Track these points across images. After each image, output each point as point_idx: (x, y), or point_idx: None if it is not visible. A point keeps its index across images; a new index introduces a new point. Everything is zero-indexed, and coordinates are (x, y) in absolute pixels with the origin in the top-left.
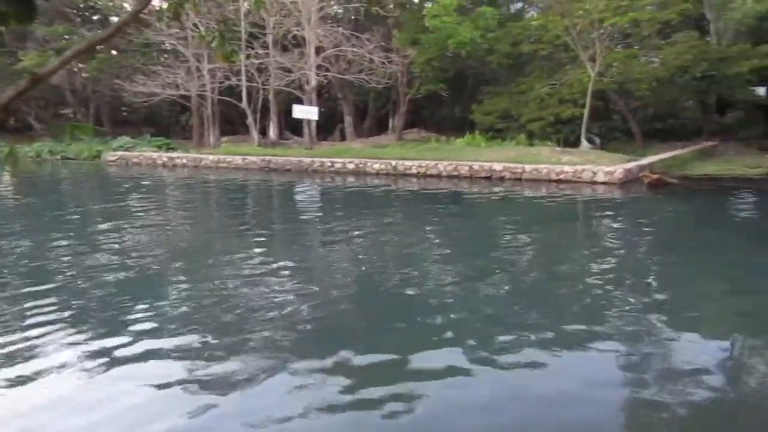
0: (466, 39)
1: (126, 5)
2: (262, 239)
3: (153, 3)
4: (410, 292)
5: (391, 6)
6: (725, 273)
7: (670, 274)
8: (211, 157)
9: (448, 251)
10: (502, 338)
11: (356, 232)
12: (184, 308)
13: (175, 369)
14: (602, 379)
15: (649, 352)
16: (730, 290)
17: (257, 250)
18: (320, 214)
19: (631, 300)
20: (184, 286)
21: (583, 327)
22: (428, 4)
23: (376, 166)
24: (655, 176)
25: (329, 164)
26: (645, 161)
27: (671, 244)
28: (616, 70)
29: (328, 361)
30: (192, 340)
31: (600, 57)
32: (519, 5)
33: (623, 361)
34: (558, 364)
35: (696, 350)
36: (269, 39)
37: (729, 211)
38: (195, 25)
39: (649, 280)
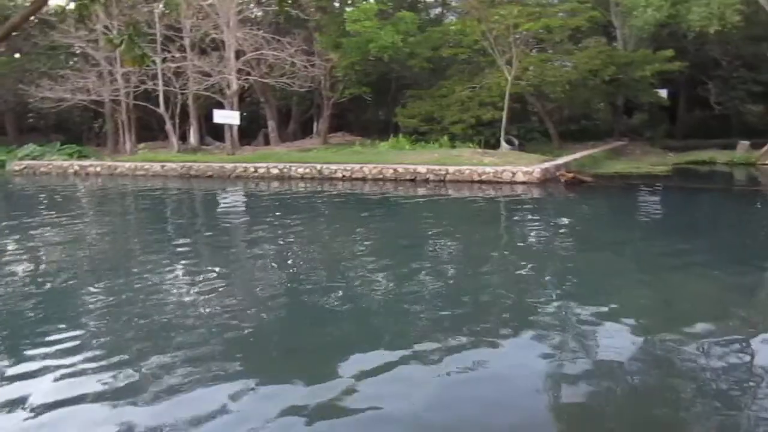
0: (387, 43)
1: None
2: (185, 249)
3: (59, 3)
4: (339, 298)
5: (312, 9)
6: (637, 262)
7: (588, 266)
8: (127, 164)
9: (376, 254)
10: (430, 342)
11: (282, 238)
12: (102, 326)
13: (92, 390)
14: (527, 371)
15: (571, 342)
16: (642, 278)
17: (180, 261)
18: (245, 220)
19: (554, 293)
20: (101, 303)
21: (508, 322)
22: (349, 9)
23: (301, 170)
24: (571, 175)
25: (252, 169)
26: (561, 161)
27: (587, 238)
28: (531, 74)
29: (257, 376)
30: (110, 361)
31: (516, 61)
32: (438, 10)
33: (547, 352)
34: (485, 358)
35: (615, 339)
36: (186, 42)
37: (638, 206)
38: (106, 27)
39: (570, 273)
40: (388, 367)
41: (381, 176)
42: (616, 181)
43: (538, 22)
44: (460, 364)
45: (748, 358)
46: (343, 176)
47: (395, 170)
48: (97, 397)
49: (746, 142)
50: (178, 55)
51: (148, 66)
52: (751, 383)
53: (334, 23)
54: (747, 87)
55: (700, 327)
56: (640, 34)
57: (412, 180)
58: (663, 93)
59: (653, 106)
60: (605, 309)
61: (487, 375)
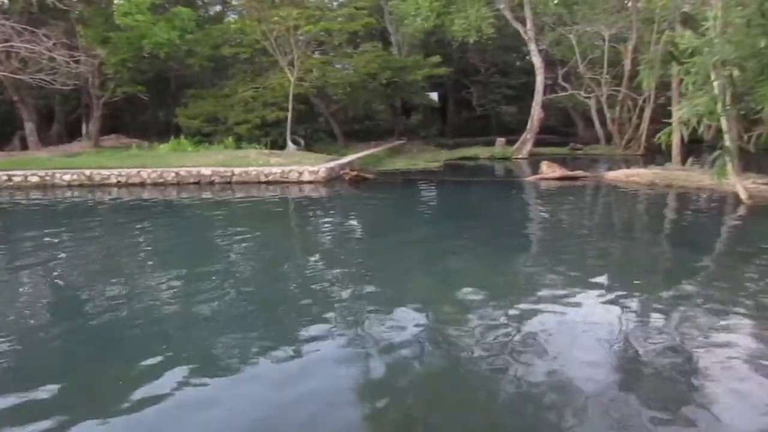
0: (162, 40)
1: None
2: None
3: None
4: (122, 314)
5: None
6: (419, 249)
7: (376, 258)
8: None
9: (162, 263)
10: (228, 349)
11: (49, 256)
12: None
13: None
14: (329, 359)
15: (361, 332)
16: (423, 263)
17: None
18: None
19: (346, 287)
20: None
21: (303, 320)
22: (118, 0)
23: (67, 177)
24: (354, 173)
25: (5, 178)
26: (345, 160)
27: (372, 231)
28: (314, 76)
29: (29, 408)
30: None
31: (298, 62)
32: (218, 8)
33: (345, 341)
34: (290, 354)
35: (402, 324)
36: None
37: (416, 199)
38: None
39: (359, 266)
40: (182, 394)
41: (162, 180)
42: (397, 177)
43: (317, 25)
44: (259, 371)
45: (516, 327)
46: (118, 182)
47: (177, 173)
48: None
49: (503, 139)
50: None
51: None
52: (521, 351)
53: (100, 15)
54: (501, 91)
55: (475, 305)
56: (412, 40)
57: (196, 183)
58: (434, 96)
59: (427, 107)
60: (392, 296)
61: (286, 373)
